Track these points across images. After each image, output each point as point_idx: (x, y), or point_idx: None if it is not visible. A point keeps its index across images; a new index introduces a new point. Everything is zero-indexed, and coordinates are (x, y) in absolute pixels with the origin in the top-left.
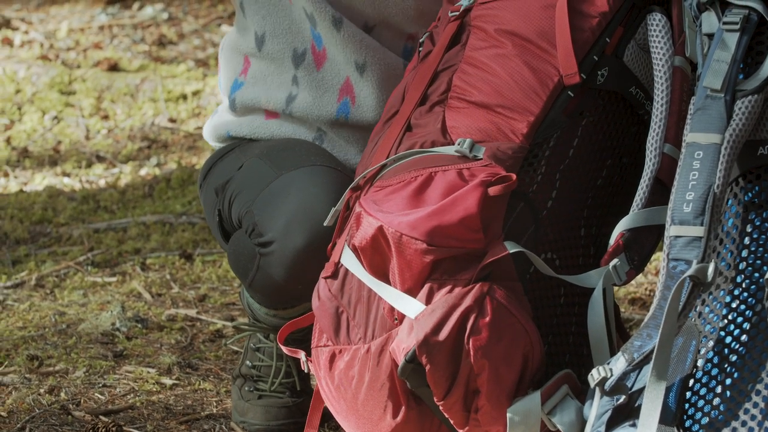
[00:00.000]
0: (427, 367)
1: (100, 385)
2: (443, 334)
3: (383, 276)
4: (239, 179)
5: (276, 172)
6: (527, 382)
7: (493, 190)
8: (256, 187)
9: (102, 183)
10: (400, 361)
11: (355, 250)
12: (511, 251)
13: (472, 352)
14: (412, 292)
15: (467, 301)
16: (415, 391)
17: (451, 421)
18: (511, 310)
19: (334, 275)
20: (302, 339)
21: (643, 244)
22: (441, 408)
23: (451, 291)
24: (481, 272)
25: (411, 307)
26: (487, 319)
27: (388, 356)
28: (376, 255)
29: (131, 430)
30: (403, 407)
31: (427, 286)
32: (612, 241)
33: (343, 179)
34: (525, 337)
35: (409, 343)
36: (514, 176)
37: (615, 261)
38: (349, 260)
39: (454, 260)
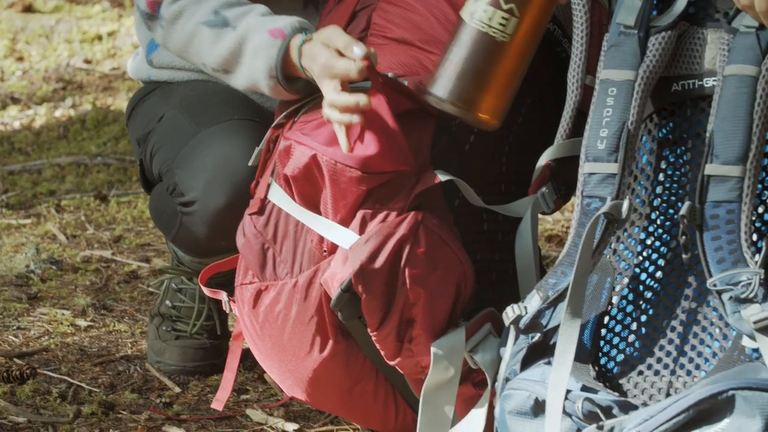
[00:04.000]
0: (363, 297)
1: (14, 327)
2: (379, 262)
3: (314, 207)
4: (159, 133)
5: (194, 129)
6: (459, 312)
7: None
8: (176, 144)
9: (16, 125)
10: (335, 292)
11: (285, 181)
12: (443, 180)
13: (408, 281)
14: (345, 222)
15: (402, 230)
16: (346, 324)
17: (383, 353)
18: (444, 239)
19: (260, 212)
20: (225, 283)
21: (569, 174)
22: (374, 338)
23: (384, 220)
24: (414, 201)
25: (344, 237)
26: (422, 248)
27: (317, 289)
28: (308, 184)
29: (46, 372)
30: (331, 341)
31: (359, 216)
32: (538, 171)
33: (262, 131)
34: (458, 266)
35: (344, 273)
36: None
37: (543, 189)
38: (277, 195)
39: (387, 189)
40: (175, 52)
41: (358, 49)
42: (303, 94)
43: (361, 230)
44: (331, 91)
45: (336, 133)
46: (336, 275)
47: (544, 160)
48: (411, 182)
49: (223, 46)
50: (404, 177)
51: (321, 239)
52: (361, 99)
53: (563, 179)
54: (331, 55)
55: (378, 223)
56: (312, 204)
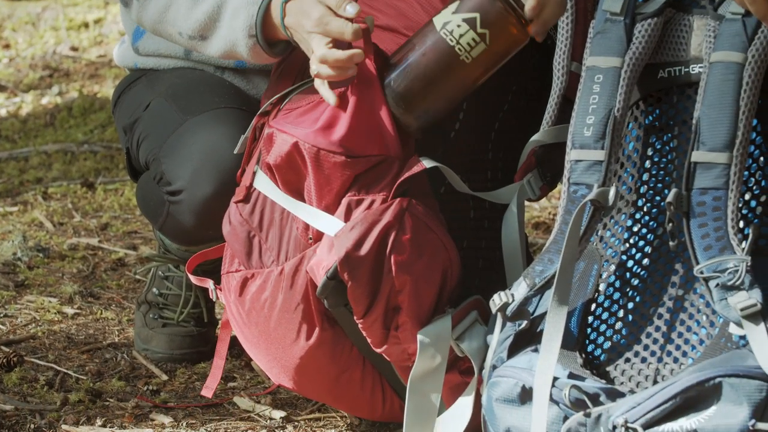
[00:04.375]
0: (349, 284)
1: (1, 315)
2: (364, 249)
3: (298, 195)
4: (146, 121)
5: (181, 117)
6: (446, 299)
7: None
8: (163, 132)
9: (3, 112)
10: (320, 279)
11: (269, 169)
12: (428, 167)
13: (394, 268)
14: (330, 209)
15: (387, 217)
16: (332, 311)
17: (369, 340)
18: (430, 225)
19: (245, 199)
20: (212, 270)
21: (555, 160)
22: (361, 326)
23: (369, 207)
24: (399, 188)
25: (330, 224)
26: (408, 235)
27: (303, 276)
28: (291, 172)
29: (33, 359)
30: (317, 329)
31: (344, 203)
32: (524, 158)
33: (249, 119)
34: (444, 252)
35: (329, 261)
36: None
37: (528, 176)
38: (262, 183)
39: (372, 175)
40: (150, 26)
41: (351, 8)
42: (280, 57)
43: (347, 217)
44: (322, 47)
45: (318, 88)
46: (321, 262)
47: (530, 147)
48: (396, 169)
49: (200, 10)
50: (389, 163)
51: (306, 227)
52: (356, 54)
53: (549, 166)
54: (326, 11)
55: (363, 210)
56: (296, 191)
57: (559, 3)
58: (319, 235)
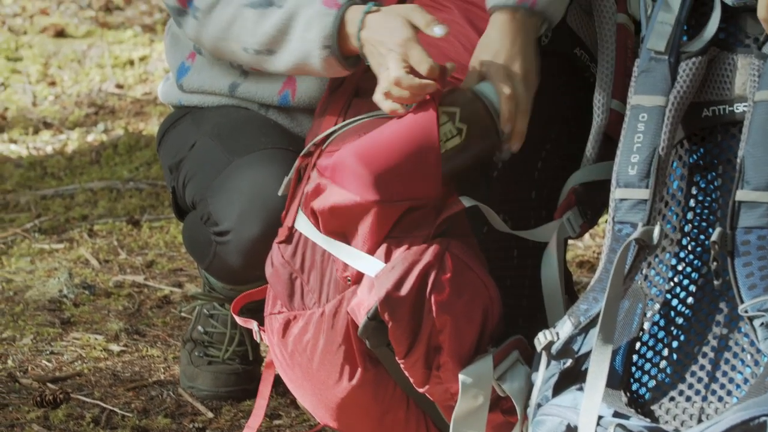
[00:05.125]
0: (390, 324)
1: (48, 352)
2: (404, 289)
3: (340, 237)
4: (192, 161)
5: (228, 158)
6: (487, 338)
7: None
8: (209, 173)
9: (49, 149)
10: (361, 320)
11: (312, 213)
12: (467, 206)
13: (434, 308)
14: (371, 250)
15: (427, 257)
16: (374, 351)
17: (412, 380)
18: (470, 265)
19: (287, 240)
20: (256, 309)
21: (595, 198)
22: (402, 366)
23: (409, 248)
24: (438, 228)
25: (370, 265)
26: (448, 274)
27: (343, 317)
28: (335, 222)
29: (79, 397)
30: (360, 370)
31: (385, 244)
32: (564, 195)
33: (295, 159)
34: (484, 291)
35: (370, 301)
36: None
37: (568, 214)
38: (303, 224)
39: (413, 216)
40: (211, 43)
41: (439, 30)
42: (352, 70)
43: (387, 258)
44: (400, 69)
45: (380, 103)
46: (362, 303)
47: (570, 184)
48: (435, 209)
49: (269, 23)
50: (430, 204)
51: (345, 267)
52: (430, 85)
53: (590, 204)
54: (412, 35)
55: (403, 250)
56: (338, 234)
57: (525, 110)
58: (358, 277)
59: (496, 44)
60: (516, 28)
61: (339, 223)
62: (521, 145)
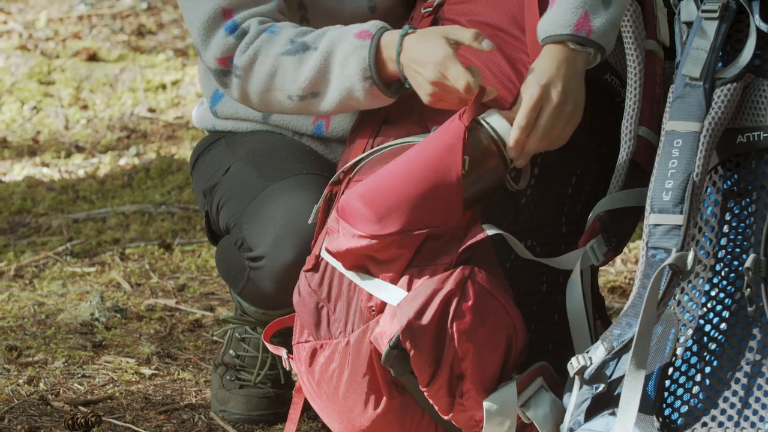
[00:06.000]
0: (412, 353)
1: (79, 375)
2: (426, 318)
3: (362, 269)
4: (226, 186)
5: (262, 183)
6: (511, 365)
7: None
8: (244, 198)
9: (81, 173)
10: (384, 348)
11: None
12: (490, 233)
13: (456, 336)
14: (393, 280)
15: (449, 285)
16: (399, 379)
17: (436, 407)
18: (493, 293)
19: (314, 269)
20: (288, 333)
21: (621, 225)
22: (426, 394)
23: (431, 276)
24: (461, 256)
25: (392, 294)
26: (470, 302)
27: (367, 346)
28: (352, 259)
29: (110, 420)
30: (385, 398)
31: (407, 274)
32: (590, 223)
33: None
34: (507, 319)
35: (392, 330)
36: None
37: (592, 242)
38: (329, 254)
39: (435, 245)
40: (257, 99)
41: (487, 44)
42: (396, 97)
43: (409, 287)
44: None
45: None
46: (385, 332)
47: (595, 212)
48: (458, 238)
49: (308, 67)
50: (451, 233)
51: (369, 298)
52: (471, 82)
53: (615, 231)
54: (450, 54)
55: (425, 279)
56: (360, 267)
57: (541, 137)
58: (381, 306)
59: (540, 71)
60: (564, 57)
61: (357, 261)
62: (525, 163)
